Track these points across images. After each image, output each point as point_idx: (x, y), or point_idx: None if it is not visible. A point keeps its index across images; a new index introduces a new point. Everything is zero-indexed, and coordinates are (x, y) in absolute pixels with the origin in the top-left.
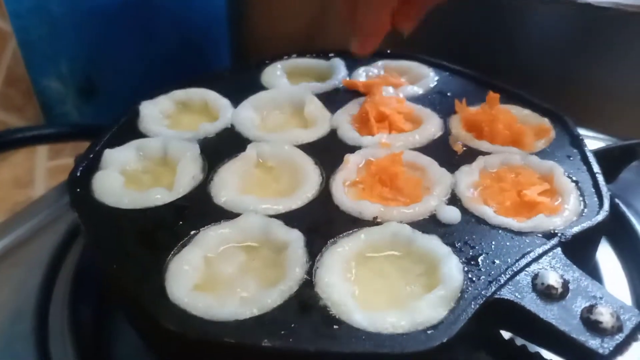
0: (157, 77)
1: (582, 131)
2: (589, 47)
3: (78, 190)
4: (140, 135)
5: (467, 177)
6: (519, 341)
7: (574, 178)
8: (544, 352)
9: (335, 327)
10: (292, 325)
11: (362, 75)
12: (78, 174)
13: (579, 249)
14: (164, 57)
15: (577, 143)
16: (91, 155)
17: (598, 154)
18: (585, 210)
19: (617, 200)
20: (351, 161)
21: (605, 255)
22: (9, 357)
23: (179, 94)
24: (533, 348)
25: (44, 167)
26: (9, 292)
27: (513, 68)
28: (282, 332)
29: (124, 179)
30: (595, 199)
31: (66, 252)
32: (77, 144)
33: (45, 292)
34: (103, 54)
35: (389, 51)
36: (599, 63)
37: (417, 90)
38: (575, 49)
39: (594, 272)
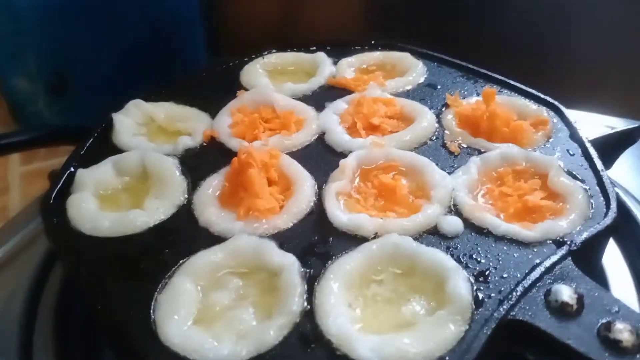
0: (129, 70)
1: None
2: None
3: (53, 219)
4: (115, 149)
5: (467, 180)
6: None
7: (578, 176)
8: None
9: None
10: None
11: (347, 70)
12: (51, 201)
13: (588, 254)
14: (135, 49)
15: (577, 136)
16: (64, 177)
17: (596, 141)
18: (592, 212)
19: (620, 195)
20: (347, 167)
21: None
22: None
23: (148, 108)
24: None
25: (17, 173)
26: None
27: (495, 45)
28: None
29: (101, 201)
30: (602, 199)
31: (46, 277)
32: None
33: (26, 325)
34: (71, 49)
35: (372, 42)
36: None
37: (406, 83)
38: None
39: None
